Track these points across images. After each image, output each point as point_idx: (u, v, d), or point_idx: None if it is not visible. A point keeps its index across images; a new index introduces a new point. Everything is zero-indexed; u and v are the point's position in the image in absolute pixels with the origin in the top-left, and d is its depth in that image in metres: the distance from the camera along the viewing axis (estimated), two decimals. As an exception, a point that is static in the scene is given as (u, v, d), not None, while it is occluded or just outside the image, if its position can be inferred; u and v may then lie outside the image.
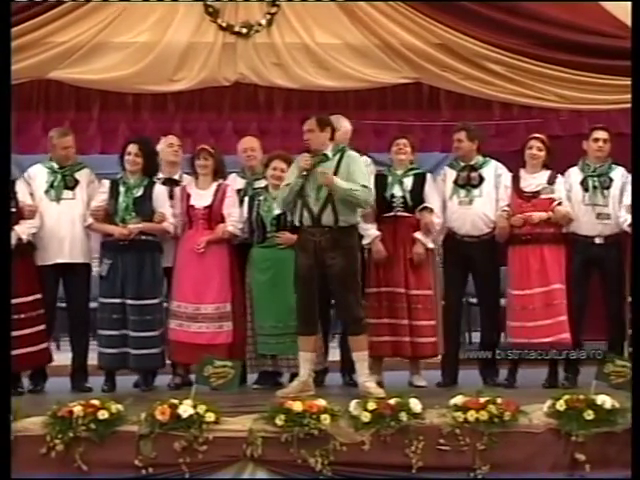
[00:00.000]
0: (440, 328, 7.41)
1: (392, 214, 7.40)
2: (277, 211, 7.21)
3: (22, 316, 7.06)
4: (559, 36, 7.67)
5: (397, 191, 7.42)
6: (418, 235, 7.35)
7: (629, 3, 7.29)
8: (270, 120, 8.43)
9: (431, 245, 7.43)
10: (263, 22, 7.67)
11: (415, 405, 5.90)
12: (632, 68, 7.02)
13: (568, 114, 8.26)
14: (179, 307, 7.28)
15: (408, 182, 7.44)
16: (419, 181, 7.46)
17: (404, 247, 7.37)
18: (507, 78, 7.76)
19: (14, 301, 6.96)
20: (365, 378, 6.72)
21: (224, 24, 7.63)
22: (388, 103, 8.33)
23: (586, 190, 7.36)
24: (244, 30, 7.65)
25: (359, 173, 6.74)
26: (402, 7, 7.76)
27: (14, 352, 6.94)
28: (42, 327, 7.18)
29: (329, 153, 6.76)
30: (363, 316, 6.85)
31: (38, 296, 7.17)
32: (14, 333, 6.95)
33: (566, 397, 5.98)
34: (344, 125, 7.50)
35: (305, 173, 6.66)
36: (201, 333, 7.24)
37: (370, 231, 7.36)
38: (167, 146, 7.63)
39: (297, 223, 6.81)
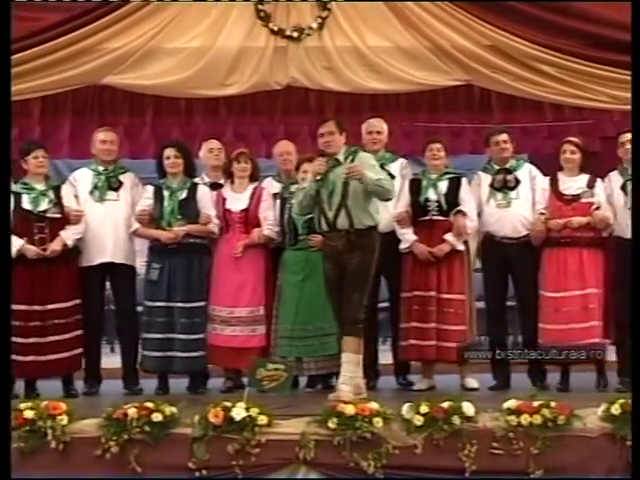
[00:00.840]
0: (472, 333, 7.36)
1: (427, 218, 7.38)
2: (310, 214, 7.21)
3: (62, 321, 7.12)
4: (610, 36, 7.61)
5: (432, 195, 7.40)
6: (448, 237, 7.31)
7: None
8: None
9: (461, 247, 7.37)
10: (314, 26, 7.70)
11: (468, 408, 5.86)
12: (632, 68, 7.00)
13: (621, 115, 8.18)
14: (214, 310, 7.28)
15: (443, 186, 7.42)
16: (454, 185, 7.42)
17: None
18: (558, 79, 7.71)
19: (56, 306, 7.11)
20: (343, 380, 6.60)
21: (275, 28, 7.68)
22: (439, 105, 8.30)
23: (627, 194, 7.28)
24: (295, 34, 7.68)
25: (372, 169, 6.70)
26: (452, 9, 7.76)
27: (50, 357, 7.10)
28: (79, 332, 7.23)
29: (341, 157, 6.74)
30: (362, 319, 6.78)
31: (78, 301, 7.22)
32: (53, 338, 7.09)
33: (621, 401, 5.91)
34: (385, 128, 7.51)
35: (319, 178, 6.64)
36: (235, 336, 7.25)
37: (407, 235, 7.35)
38: (207, 151, 7.66)
39: (317, 229, 6.85)
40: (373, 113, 7.85)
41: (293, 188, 7.36)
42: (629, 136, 7.26)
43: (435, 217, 7.38)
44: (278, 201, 7.42)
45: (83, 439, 5.76)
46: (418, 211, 7.40)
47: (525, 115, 8.16)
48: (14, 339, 6.96)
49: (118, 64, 7.64)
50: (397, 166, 7.57)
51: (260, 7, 7.68)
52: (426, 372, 7.45)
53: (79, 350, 7.24)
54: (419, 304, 7.32)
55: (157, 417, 5.75)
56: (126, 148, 8.04)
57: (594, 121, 8.26)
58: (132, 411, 5.76)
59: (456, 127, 8.32)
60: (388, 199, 6.86)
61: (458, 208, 7.36)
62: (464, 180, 7.52)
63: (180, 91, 7.86)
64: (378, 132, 7.52)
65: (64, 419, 5.75)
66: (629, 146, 7.26)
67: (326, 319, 7.06)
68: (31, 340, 7.03)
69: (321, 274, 6.87)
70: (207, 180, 7.58)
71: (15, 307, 7.00)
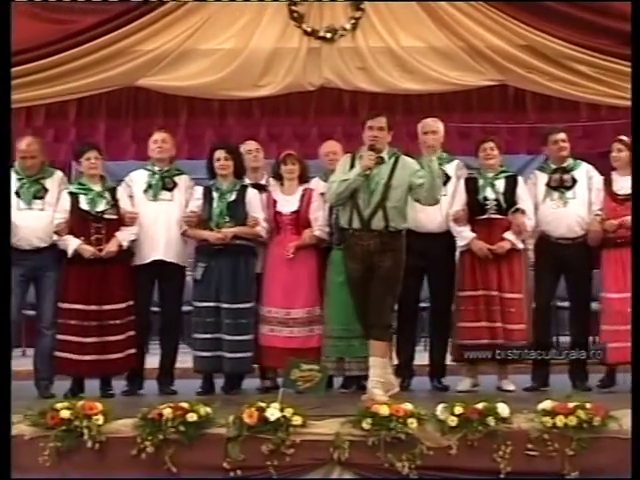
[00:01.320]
0: (530, 332, 7.33)
1: (485, 217, 7.35)
2: None
3: (117, 322, 7.17)
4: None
5: (489, 194, 7.38)
6: (508, 235, 7.29)
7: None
8: (355, 124, 8.41)
9: (520, 246, 7.36)
10: (348, 26, 7.71)
11: (503, 410, 5.84)
12: (632, 68, 6.98)
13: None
14: (269, 312, 7.29)
15: (500, 184, 7.40)
16: (511, 183, 7.40)
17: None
18: (594, 79, 7.67)
19: (112, 307, 7.15)
20: (374, 384, 6.61)
21: (309, 29, 7.69)
22: (473, 106, 8.28)
23: None
24: (329, 35, 7.69)
25: (415, 175, 6.67)
26: (486, 9, 7.74)
27: (106, 357, 7.14)
28: (133, 333, 7.26)
29: (385, 156, 6.71)
30: (392, 324, 6.81)
31: (131, 302, 7.26)
32: (109, 338, 7.13)
33: (658, 402, 5.87)
34: (441, 128, 7.51)
35: (367, 172, 6.60)
36: (293, 338, 7.24)
37: (465, 233, 7.33)
38: (246, 152, 7.64)
39: (345, 225, 6.76)
40: (407, 114, 7.85)
41: None
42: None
43: (493, 216, 7.35)
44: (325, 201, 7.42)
45: (119, 439, 5.79)
46: (475, 210, 7.37)
47: (560, 115, 8.10)
48: (70, 338, 7.08)
49: (152, 66, 7.69)
50: (453, 167, 7.56)
51: (293, 8, 7.69)
52: (470, 372, 7.41)
53: (132, 350, 7.28)
54: (486, 303, 7.29)
55: (192, 417, 5.77)
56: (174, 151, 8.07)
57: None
58: (167, 411, 5.78)
59: (490, 127, 8.28)
60: (434, 203, 6.86)
61: (517, 206, 7.33)
62: (520, 179, 7.50)
63: (214, 92, 7.89)
64: (433, 132, 7.46)
65: (100, 419, 5.78)
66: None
67: None
68: (89, 340, 7.09)
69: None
70: (247, 181, 7.59)
71: (72, 306, 7.10)
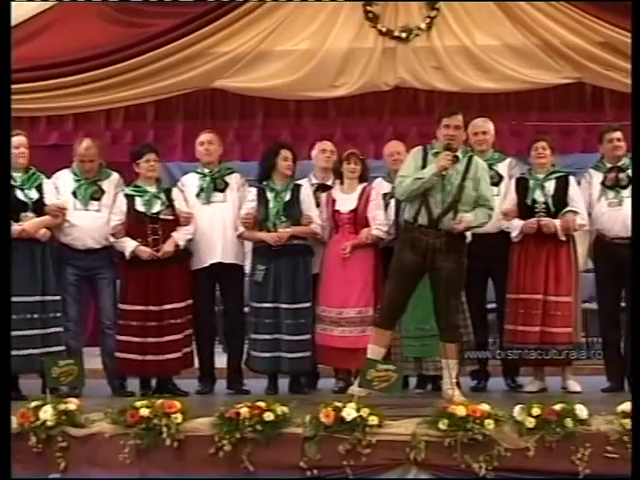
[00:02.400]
0: (577, 334, 7.25)
1: (534, 220, 7.26)
2: None
3: (178, 321, 7.23)
4: None
5: (539, 196, 7.29)
6: (561, 237, 7.24)
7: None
8: (430, 124, 8.36)
9: (563, 238, 7.21)
10: (423, 26, 7.71)
11: (581, 411, 5.76)
12: (632, 68, 6.88)
13: None
14: (324, 311, 7.29)
15: (550, 186, 7.30)
16: (562, 184, 7.30)
17: (547, 253, 7.24)
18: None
19: (171, 306, 7.21)
20: (449, 386, 6.57)
21: (384, 29, 7.71)
22: (549, 104, 8.22)
23: None
24: (404, 34, 7.70)
25: (485, 183, 6.62)
26: (563, 6, 7.70)
27: (166, 356, 7.20)
28: (190, 331, 7.34)
29: (460, 155, 6.60)
30: (459, 325, 6.79)
31: (189, 302, 7.32)
32: (169, 338, 7.20)
33: None
34: (491, 128, 7.47)
35: (444, 173, 6.48)
36: (344, 337, 7.23)
37: (515, 222, 7.27)
38: (320, 152, 7.62)
39: (410, 219, 6.63)
40: (482, 113, 7.80)
41: None
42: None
43: (542, 219, 7.26)
44: (392, 201, 7.38)
45: (197, 437, 5.82)
46: (524, 212, 7.32)
47: (639, 112, 7.99)
48: (132, 339, 7.17)
49: (229, 68, 7.77)
50: (505, 166, 7.50)
51: (368, 8, 7.72)
52: (537, 374, 7.36)
53: (189, 349, 7.36)
54: (525, 307, 7.23)
55: (269, 416, 5.78)
56: (237, 151, 8.15)
57: None
58: (244, 410, 5.80)
59: (567, 126, 8.21)
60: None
61: (568, 208, 7.26)
62: (572, 179, 7.39)
63: (289, 93, 7.94)
64: (484, 132, 7.43)
65: (179, 417, 5.82)
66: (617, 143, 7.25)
67: None
68: (149, 340, 7.17)
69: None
70: (315, 181, 7.61)
71: (131, 307, 7.19)
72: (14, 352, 6.85)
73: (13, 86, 7.59)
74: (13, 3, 7.14)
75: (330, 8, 7.76)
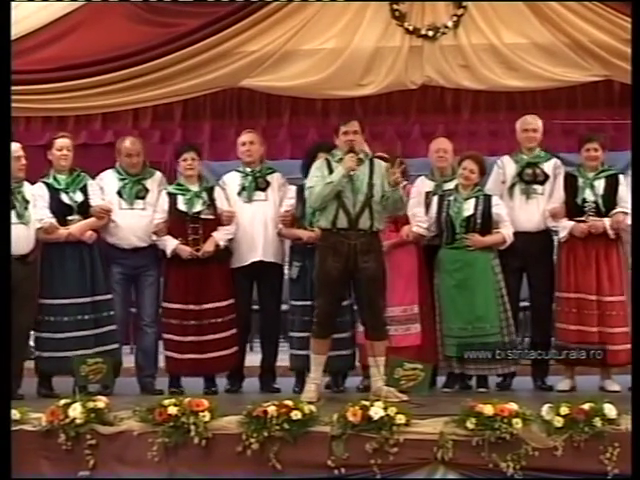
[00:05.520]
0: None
1: (583, 219, 7.24)
2: (467, 213, 7.19)
3: (219, 320, 7.26)
4: None
5: (589, 195, 7.26)
6: (612, 235, 7.20)
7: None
8: (457, 122, 8.41)
9: (612, 236, 7.20)
10: (449, 24, 7.68)
11: (610, 410, 5.75)
12: (632, 68, 6.81)
13: None
14: (367, 309, 7.32)
15: (600, 185, 7.27)
16: (612, 183, 7.27)
17: (596, 252, 7.21)
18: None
19: (212, 305, 7.25)
20: (383, 383, 6.62)
21: (411, 27, 7.68)
22: (578, 102, 8.18)
23: None
24: (430, 33, 7.67)
25: (385, 181, 6.73)
26: (591, 3, 7.62)
27: (208, 355, 7.24)
28: (235, 331, 7.34)
29: (362, 157, 6.72)
30: (387, 322, 6.85)
31: (232, 301, 7.35)
32: (209, 337, 7.23)
33: None
34: (540, 125, 7.44)
35: (352, 174, 6.60)
36: (389, 335, 7.17)
37: (564, 222, 7.25)
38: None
39: (328, 226, 6.69)
40: (510, 111, 7.78)
41: (450, 185, 7.38)
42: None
43: (592, 219, 7.23)
44: (435, 199, 7.38)
45: (224, 435, 5.85)
46: (573, 211, 7.28)
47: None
48: (172, 337, 7.23)
49: (255, 67, 7.77)
50: (550, 165, 7.48)
51: (395, 7, 7.69)
52: (568, 373, 7.32)
53: (234, 349, 7.36)
54: (578, 307, 7.20)
55: (296, 415, 5.81)
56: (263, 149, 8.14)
57: None
58: (272, 409, 5.83)
59: (595, 124, 8.16)
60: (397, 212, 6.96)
61: (618, 209, 7.21)
62: (622, 177, 7.33)
63: (316, 92, 7.94)
64: (534, 130, 7.43)
65: (206, 416, 5.85)
66: None
67: (487, 319, 7.09)
68: (189, 339, 7.21)
69: (480, 273, 6.86)
70: None
71: (173, 306, 7.24)
72: (67, 353, 6.99)
73: (42, 86, 7.71)
74: (13, 3, 7.19)
75: (356, 7, 7.74)
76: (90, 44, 7.74)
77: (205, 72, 7.79)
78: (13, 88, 7.40)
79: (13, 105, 7.55)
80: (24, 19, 7.72)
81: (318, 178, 6.71)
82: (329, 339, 6.78)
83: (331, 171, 6.71)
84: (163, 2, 7.90)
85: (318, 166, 6.81)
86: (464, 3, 7.65)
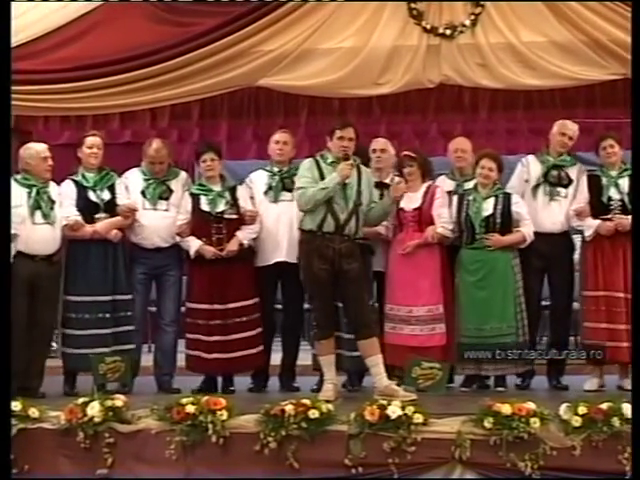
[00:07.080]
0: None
1: (609, 217, 7.22)
2: (486, 212, 7.18)
3: (244, 319, 7.26)
4: None
5: (614, 194, 7.25)
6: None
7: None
8: (475, 121, 8.37)
9: None
10: (467, 23, 7.65)
11: (628, 410, 5.74)
12: (632, 68, 6.81)
13: None
14: (392, 310, 7.27)
15: (624, 183, 7.23)
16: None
17: (623, 250, 7.16)
18: None
19: (237, 304, 7.25)
20: (386, 381, 6.60)
21: (428, 26, 7.66)
22: (596, 100, 8.14)
23: None
24: (448, 31, 7.65)
25: (372, 187, 6.89)
26: (610, 2, 7.58)
27: (234, 354, 7.24)
28: (260, 330, 7.34)
29: (353, 162, 6.76)
30: (374, 319, 6.87)
31: (257, 300, 7.35)
32: (235, 336, 7.24)
33: None
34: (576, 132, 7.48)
35: (347, 181, 6.65)
36: (414, 336, 7.19)
37: (589, 221, 7.24)
38: (370, 152, 7.54)
39: (314, 228, 6.71)
40: (527, 110, 7.75)
41: (470, 185, 7.37)
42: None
43: (618, 216, 7.20)
44: (455, 199, 7.37)
45: (242, 434, 5.87)
46: (599, 210, 7.26)
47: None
48: (198, 337, 7.23)
49: (273, 66, 7.76)
50: (575, 170, 7.49)
51: (412, 5, 7.66)
52: (597, 372, 7.29)
53: (260, 347, 7.35)
54: (607, 305, 7.17)
55: (314, 414, 5.82)
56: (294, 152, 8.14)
57: None
58: (289, 408, 5.84)
59: (614, 122, 8.12)
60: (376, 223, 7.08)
61: None
62: None
63: (334, 91, 7.93)
64: (570, 137, 7.47)
65: (224, 414, 5.87)
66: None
67: (504, 319, 7.08)
68: (214, 338, 7.22)
69: (499, 274, 6.87)
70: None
71: (197, 306, 7.26)
72: (87, 351, 7.03)
73: (60, 86, 7.73)
74: (13, 3, 7.21)
75: (374, 6, 7.72)
76: (108, 44, 7.75)
77: (222, 71, 7.79)
78: (31, 88, 7.47)
79: (32, 105, 7.62)
80: (43, 19, 7.76)
81: (308, 179, 6.75)
82: (332, 338, 6.80)
83: (321, 172, 6.76)
84: (180, 1, 7.91)
85: (308, 167, 6.84)
86: (482, 2, 7.62)
